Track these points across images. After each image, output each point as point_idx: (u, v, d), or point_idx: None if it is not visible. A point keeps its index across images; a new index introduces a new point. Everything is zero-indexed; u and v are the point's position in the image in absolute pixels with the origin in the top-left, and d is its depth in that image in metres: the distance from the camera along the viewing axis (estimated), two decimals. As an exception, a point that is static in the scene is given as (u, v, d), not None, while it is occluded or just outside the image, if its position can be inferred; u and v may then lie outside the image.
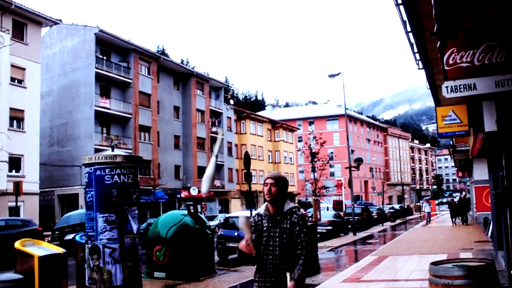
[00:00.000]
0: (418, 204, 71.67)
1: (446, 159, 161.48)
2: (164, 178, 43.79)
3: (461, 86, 6.58)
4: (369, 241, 23.80)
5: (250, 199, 16.70)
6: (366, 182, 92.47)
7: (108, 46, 42.96)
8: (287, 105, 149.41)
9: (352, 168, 31.10)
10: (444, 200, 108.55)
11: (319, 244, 19.17)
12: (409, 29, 7.09)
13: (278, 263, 4.05)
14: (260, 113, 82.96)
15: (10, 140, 29.40)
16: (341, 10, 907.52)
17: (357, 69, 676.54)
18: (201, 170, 51.81)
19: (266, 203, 4.27)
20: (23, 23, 33.83)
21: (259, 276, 4.14)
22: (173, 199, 46.80)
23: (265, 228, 4.15)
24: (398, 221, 43.59)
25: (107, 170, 7.69)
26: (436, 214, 53.08)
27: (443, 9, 4.39)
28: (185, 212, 13.22)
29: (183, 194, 46.85)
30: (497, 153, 10.06)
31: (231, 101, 67.88)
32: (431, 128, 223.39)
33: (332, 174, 76.69)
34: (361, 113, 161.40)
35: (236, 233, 16.80)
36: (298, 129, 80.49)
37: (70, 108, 40.79)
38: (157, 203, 43.36)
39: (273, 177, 4.20)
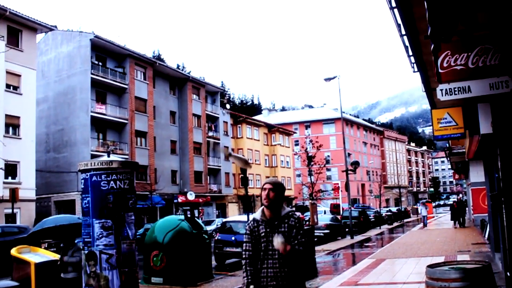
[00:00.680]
0: (415, 207, 71.63)
1: (442, 161, 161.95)
2: (160, 183, 43.72)
3: (455, 89, 6.59)
4: (367, 244, 23.81)
5: (247, 204, 16.66)
6: (363, 185, 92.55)
7: (104, 52, 42.94)
8: (283, 109, 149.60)
9: (349, 171, 31.12)
10: (441, 202, 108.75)
11: (317, 248, 19.17)
12: (403, 32, 7.12)
13: (278, 266, 4.10)
14: (257, 117, 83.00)
15: (6, 147, 29.34)
16: (337, 13, 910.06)
17: (353, 73, 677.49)
18: (198, 175, 51.78)
19: (262, 207, 4.31)
20: (18, 30, 33.79)
21: (260, 280, 4.16)
22: (170, 204, 46.70)
23: (262, 234, 4.19)
24: (395, 224, 43.63)
25: (103, 176, 7.67)
26: (434, 217, 53.09)
27: (437, 12, 4.41)
28: (182, 217, 13.20)
29: (180, 199, 46.78)
30: (493, 155, 10.08)
31: (227, 106, 67.92)
32: (428, 130, 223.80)
33: (329, 178, 76.70)
34: (358, 116, 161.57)
35: (233, 238, 16.79)
36: (295, 133, 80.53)
37: (66, 114, 40.71)
38: (154, 208, 43.27)
39: (271, 182, 4.26)
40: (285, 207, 4.30)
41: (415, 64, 8.71)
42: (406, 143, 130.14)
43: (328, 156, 77.73)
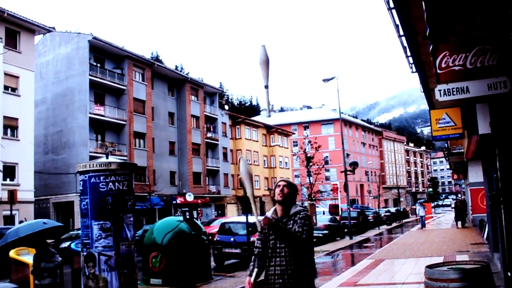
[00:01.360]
0: (414, 207, 71.67)
1: (441, 161, 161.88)
2: (159, 185, 43.68)
3: (454, 89, 6.60)
4: (366, 244, 23.81)
5: (246, 205, 16.66)
6: (362, 186, 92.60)
7: (102, 53, 42.91)
8: (282, 110, 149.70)
9: (348, 172, 31.12)
10: (440, 202, 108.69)
11: (316, 249, 19.17)
12: (401, 32, 7.12)
13: (285, 264, 4.12)
14: (255, 118, 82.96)
15: (4, 148, 29.31)
16: (335, 14, 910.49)
17: (352, 73, 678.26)
18: (197, 176, 51.74)
19: (275, 206, 4.36)
20: (16, 31, 33.74)
21: (268, 278, 4.20)
22: (168, 206, 46.66)
23: (271, 232, 4.21)
24: (394, 224, 43.63)
25: (101, 178, 7.67)
26: (432, 217, 53.08)
27: (435, 13, 4.41)
28: (181, 218, 13.19)
29: (179, 200, 46.74)
30: (491, 155, 10.09)
31: (226, 107, 67.84)
32: (426, 131, 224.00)
33: (327, 178, 76.77)
34: (356, 117, 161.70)
35: (232, 239, 16.77)
36: (293, 133, 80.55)
37: (64, 116, 40.66)
38: (153, 209, 43.22)
39: (286, 180, 4.38)
40: (296, 206, 4.33)
41: (413, 65, 8.72)
42: (405, 143, 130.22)
43: (327, 156, 77.67)
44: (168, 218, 14.41)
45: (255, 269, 4.23)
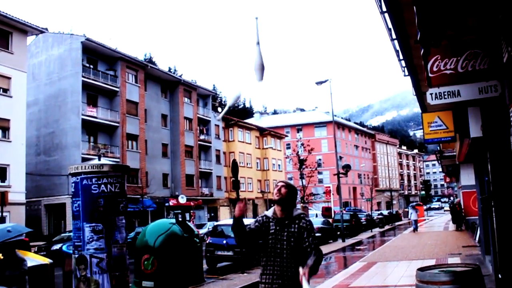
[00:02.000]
0: (407, 210, 71.91)
1: (434, 164, 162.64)
2: (152, 187, 43.59)
3: (445, 93, 6.64)
4: (358, 247, 23.86)
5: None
6: (354, 189, 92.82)
7: (95, 55, 42.80)
8: (275, 112, 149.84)
9: (341, 175, 31.19)
10: (432, 205, 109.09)
11: (308, 251, 19.17)
12: (394, 36, 7.15)
13: (285, 265, 4.12)
14: (248, 120, 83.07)
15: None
16: (328, 17, 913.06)
17: (345, 76, 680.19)
18: (189, 178, 51.66)
19: (274, 206, 4.37)
20: (8, 32, 33.58)
21: (266, 278, 4.20)
22: (161, 208, 46.55)
23: (272, 231, 4.23)
24: (386, 227, 43.76)
25: (93, 180, 7.64)
26: (425, 220, 53.23)
27: (426, 17, 4.44)
28: (173, 220, 13.15)
29: (171, 202, 46.59)
30: (483, 158, 10.15)
31: (219, 109, 67.85)
32: (419, 134, 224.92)
33: (320, 181, 76.86)
34: (349, 120, 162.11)
35: (224, 241, 16.76)
36: (286, 136, 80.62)
37: (56, 117, 40.51)
38: (145, 211, 43.11)
39: (284, 181, 4.37)
40: (297, 209, 4.34)
41: (406, 68, 8.76)
42: (398, 146, 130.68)
43: (320, 159, 77.85)
44: (161, 220, 14.37)
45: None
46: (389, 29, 6.94)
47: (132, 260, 12.15)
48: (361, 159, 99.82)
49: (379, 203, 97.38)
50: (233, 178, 16.76)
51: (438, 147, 21.82)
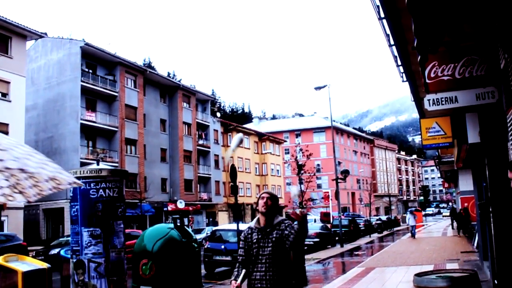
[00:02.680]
0: (405, 215, 71.75)
1: (432, 170, 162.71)
2: (150, 191, 43.53)
3: (442, 99, 6.67)
4: (356, 252, 23.83)
5: (237, 212, 16.62)
6: (353, 194, 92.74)
7: (94, 59, 42.84)
8: (274, 118, 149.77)
9: (339, 180, 31.18)
10: (430, 211, 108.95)
11: (307, 256, 19.16)
12: (392, 42, 7.18)
13: (264, 270, 4.35)
14: (247, 125, 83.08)
15: (-5, 154, 29.03)
16: (327, 23, 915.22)
17: (344, 81, 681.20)
18: (188, 183, 51.62)
19: (258, 216, 4.60)
20: (8, 37, 33.62)
21: (250, 283, 4.44)
22: (159, 213, 46.50)
23: (255, 240, 4.46)
24: (385, 233, 43.72)
25: (92, 184, 7.66)
26: (423, 225, 53.14)
27: (423, 24, 4.46)
28: (172, 225, 13.14)
29: (170, 207, 46.57)
30: (481, 164, 10.17)
31: (218, 114, 67.84)
32: (418, 139, 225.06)
33: (319, 186, 76.82)
34: (348, 125, 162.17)
35: (223, 246, 16.74)
36: (285, 141, 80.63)
37: (55, 122, 40.50)
38: (144, 216, 43.04)
39: (268, 192, 4.66)
40: (278, 216, 4.55)
41: (404, 74, 8.79)
42: (396, 151, 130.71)
43: (318, 164, 77.85)
44: (159, 225, 14.34)
45: (241, 274, 4.45)
46: (387, 35, 6.97)
47: (130, 265, 12.15)
48: (360, 165, 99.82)
49: (377, 209, 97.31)
50: (232, 183, 16.77)
51: (437, 153, 21.84)
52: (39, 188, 3.32)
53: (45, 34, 37.38)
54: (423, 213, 78.01)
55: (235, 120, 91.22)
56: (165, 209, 47.14)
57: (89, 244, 7.51)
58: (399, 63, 8.16)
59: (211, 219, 55.55)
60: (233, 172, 16.82)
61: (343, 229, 29.75)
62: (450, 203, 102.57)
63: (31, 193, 3.25)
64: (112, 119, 42.55)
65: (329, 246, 27.91)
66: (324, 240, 27.66)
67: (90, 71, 41.90)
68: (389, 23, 6.50)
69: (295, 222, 4.36)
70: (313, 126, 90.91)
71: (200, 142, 55.52)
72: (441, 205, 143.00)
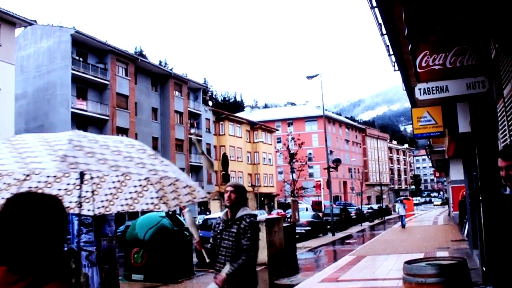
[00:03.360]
0: (396, 204, 72.10)
1: (424, 159, 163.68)
2: (142, 180, 43.43)
3: (433, 88, 6.69)
4: (348, 241, 24.00)
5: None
6: (345, 183, 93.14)
7: (85, 48, 42.50)
8: (266, 106, 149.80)
9: (331, 169, 31.30)
10: (422, 200, 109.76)
11: (298, 245, 19.27)
12: (384, 31, 7.17)
13: (223, 261, 4.49)
14: (239, 114, 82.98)
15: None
16: (320, 11, 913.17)
17: (336, 70, 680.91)
18: (180, 172, 51.51)
19: (227, 209, 4.70)
20: (-3, 24, 33.26)
21: (213, 272, 4.64)
22: (151, 201, 46.45)
23: (218, 231, 4.63)
24: (376, 221, 44.02)
25: (83, 173, 7.62)
26: (414, 214, 53.45)
27: (414, 13, 4.46)
28: (163, 214, 13.15)
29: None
30: (471, 153, 10.24)
31: (210, 103, 67.71)
32: (409, 129, 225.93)
33: (311, 175, 77.06)
34: (340, 114, 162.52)
35: (214, 235, 16.77)
36: (277, 130, 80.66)
37: (46, 110, 40.23)
38: (136, 205, 42.98)
39: (233, 185, 4.66)
40: (244, 209, 4.61)
41: (396, 63, 8.79)
42: (388, 141, 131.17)
43: (310, 153, 78.04)
44: (151, 213, 14.36)
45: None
46: (379, 24, 6.95)
47: (122, 253, 12.16)
48: (352, 154, 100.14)
49: (369, 197, 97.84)
50: (224, 172, 16.79)
51: (428, 142, 21.97)
52: (179, 200, 4.25)
53: (35, 21, 36.96)
54: (414, 201, 77.94)
55: (227, 109, 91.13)
56: (157, 198, 47.10)
57: (80, 232, 7.50)
58: (391, 52, 8.15)
59: (203, 208, 55.63)
60: (225, 161, 16.85)
61: (334, 218, 29.92)
62: (441, 192, 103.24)
63: (172, 204, 4.22)
64: (103, 108, 42.34)
65: (321, 235, 28.08)
66: (315, 228, 27.82)
67: (81, 59, 41.57)
68: (381, 12, 6.49)
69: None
70: (305, 115, 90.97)
71: (192, 130, 55.40)
72: (432, 194, 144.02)
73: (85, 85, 41.67)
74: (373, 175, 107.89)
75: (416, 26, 4.62)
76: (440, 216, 42.93)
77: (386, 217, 52.34)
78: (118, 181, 4.21)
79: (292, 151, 34.76)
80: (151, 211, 4.53)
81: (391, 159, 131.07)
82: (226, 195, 4.59)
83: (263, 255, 14.35)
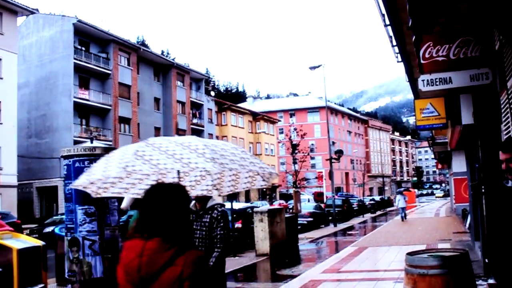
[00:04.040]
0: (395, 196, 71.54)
1: (426, 151, 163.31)
2: (144, 170, 43.48)
3: (437, 80, 6.67)
4: (350, 232, 24.03)
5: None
6: (347, 174, 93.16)
7: (87, 37, 42.44)
8: (268, 97, 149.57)
9: (333, 160, 31.29)
10: (424, 192, 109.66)
11: (300, 236, 19.31)
12: (387, 22, 7.14)
13: (204, 252, 4.48)
14: (241, 104, 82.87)
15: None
16: (323, 2, 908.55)
17: (339, 61, 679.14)
18: (182, 162, 51.57)
19: (194, 201, 4.86)
20: (-2, 12, 33.24)
21: None
22: (153, 191, 46.52)
23: None
24: (378, 213, 44.03)
25: (86, 162, 7.63)
26: (416, 206, 53.37)
27: (417, 4, 4.44)
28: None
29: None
30: (474, 145, 10.22)
31: (212, 93, 67.66)
32: (412, 120, 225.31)
33: (313, 166, 77.10)
34: (343, 105, 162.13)
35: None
36: (279, 121, 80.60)
37: (48, 100, 40.23)
38: (138, 195, 43.09)
39: None
40: (213, 200, 4.79)
41: (399, 54, 8.76)
42: (390, 132, 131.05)
43: (313, 144, 77.99)
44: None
45: None
46: (383, 15, 6.92)
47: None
48: (354, 145, 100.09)
49: (371, 189, 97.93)
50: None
51: (431, 134, 21.92)
52: (235, 187, 4.55)
53: (37, 10, 36.94)
54: (416, 193, 76.30)
55: (229, 99, 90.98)
56: (159, 188, 47.17)
57: (83, 222, 7.52)
58: (394, 43, 8.12)
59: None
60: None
61: (336, 209, 29.92)
62: (444, 184, 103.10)
63: (225, 190, 4.53)
64: (105, 97, 42.34)
65: (322, 226, 28.11)
66: (317, 219, 27.85)
67: (83, 48, 41.54)
68: (384, 3, 6.45)
69: None
70: (308, 106, 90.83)
71: (194, 121, 55.43)
72: (434, 186, 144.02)
73: (87, 75, 41.65)
74: (375, 166, 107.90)
75: (420, 17, 4.60)
76: (442, 208, 42.94)
77: (388, 209, 52.34)
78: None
79: (294, 142, 34.74)
80: (204, 196, 4.76)
81: (393, 150, 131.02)
82: None
83: (265, 246, 14.40)
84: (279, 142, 73.64)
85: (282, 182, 67.45)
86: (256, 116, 70.00)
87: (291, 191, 37.41)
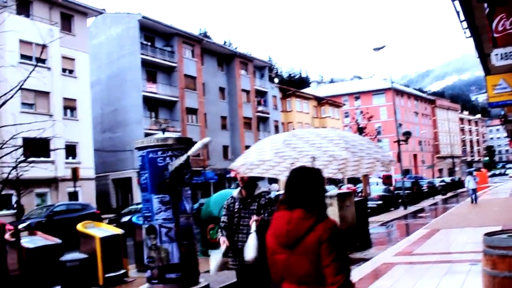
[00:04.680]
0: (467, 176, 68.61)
1: (497, 129, 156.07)
2: (213, 159, 44.42)
3: (511, 53, 6.42)
4: (420, 215, 23.53)
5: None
6: (415, 156, 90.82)
7: (152, 32, 43.55)
8: (332, 81, 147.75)
9: (401, 142, 30.67)
10: (497, 172, 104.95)
11: (370, 219, 19.11)
12: (455, -3, 6.94)
13: (244, 240, 4.65)
14: (305, 90, 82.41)
15: (66, 128, 30.48)
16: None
17: (403, 41, 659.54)
18: (248, 150, 52.08)
19: (240, 188, 5.03)
20: (70, 15, 34.73)
21: (231, 252, 4.87)
22: (222, 179, 47.42)
23: (236, 210, 4.90)
24: (449, 194, 42.72)
25: (159, 153, 7.89)
26: (488, 187, 51.23)
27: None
28: (236, 190, 13.43)
29: (232, 173, 47.37)
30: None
31: (276, 80, 67.76)
32: (481, 98, 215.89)
33: (380, 149, 75.67)
34: (408, 86, 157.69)
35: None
36: (344, 104, 79.68)
37: (118, 95, 41.71)
38: (208, 183, 44.08)
39: None
40: (259, 188, 4.97)
41: (467, 30, 8.49)
42: (459, 111, 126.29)
43: (379, 127, 76.51)
44: (224, 190, 14.75)
45: (224, 235, 4.96)
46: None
47: (197, 230, 12.59)
48: (421, 126, 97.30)
49: (440, 170, 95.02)
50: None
51: (503, 111, 21.04)
52: (357, 171, 5.21)
53: (104, 10, 38.28)
54: (488, 174, 72.08)
55: (293, 85, 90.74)
56: (227, 175, 48.00)
57: (159, 210, 7.79)
58: (462, 18, 7.88)
59: (272, 183, 56.06)
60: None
61: (406, 192, 29.38)
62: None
63: (348, 173, 5.24)
64: (172, 90, 43.38)
65: (392, 209, 27.70)
66: (387, 202, 27.49)
67: (149, 43, 42.68)
68: (451, -22, 6.29)
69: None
70: (372, 88, 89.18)
71: (259, 108, 55.76)
72: (507, 166, 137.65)
73: (154, 69, 42.81)
74: (444, 147, 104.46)
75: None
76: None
77: (459, 190, 50.61)
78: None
79: (360, 125, 34.31)
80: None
81: (462, 130, 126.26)
82: (239, 177, 4.99)
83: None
84: (345, 126, 72.82)
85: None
86: (320, 101, 69.49)
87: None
